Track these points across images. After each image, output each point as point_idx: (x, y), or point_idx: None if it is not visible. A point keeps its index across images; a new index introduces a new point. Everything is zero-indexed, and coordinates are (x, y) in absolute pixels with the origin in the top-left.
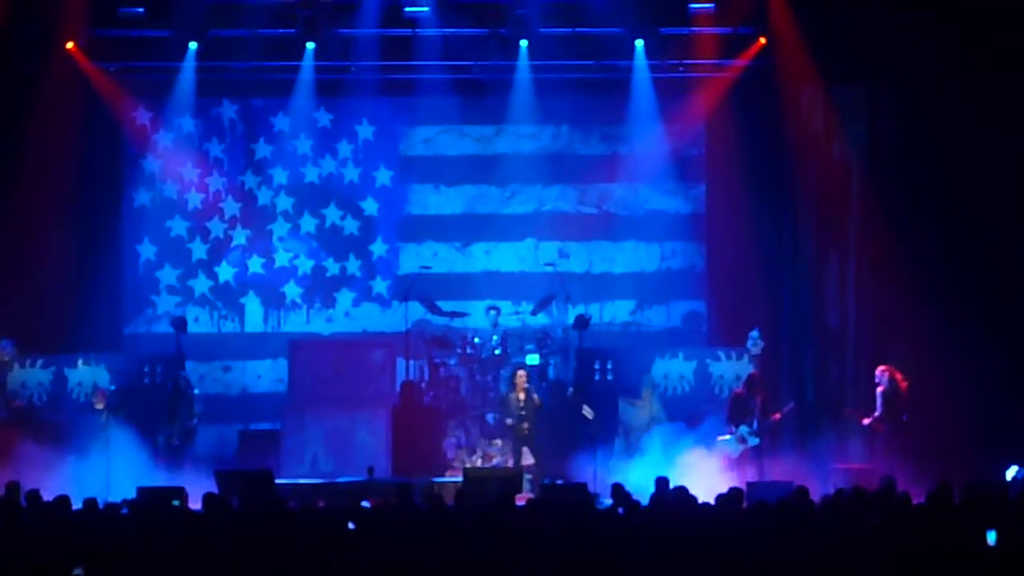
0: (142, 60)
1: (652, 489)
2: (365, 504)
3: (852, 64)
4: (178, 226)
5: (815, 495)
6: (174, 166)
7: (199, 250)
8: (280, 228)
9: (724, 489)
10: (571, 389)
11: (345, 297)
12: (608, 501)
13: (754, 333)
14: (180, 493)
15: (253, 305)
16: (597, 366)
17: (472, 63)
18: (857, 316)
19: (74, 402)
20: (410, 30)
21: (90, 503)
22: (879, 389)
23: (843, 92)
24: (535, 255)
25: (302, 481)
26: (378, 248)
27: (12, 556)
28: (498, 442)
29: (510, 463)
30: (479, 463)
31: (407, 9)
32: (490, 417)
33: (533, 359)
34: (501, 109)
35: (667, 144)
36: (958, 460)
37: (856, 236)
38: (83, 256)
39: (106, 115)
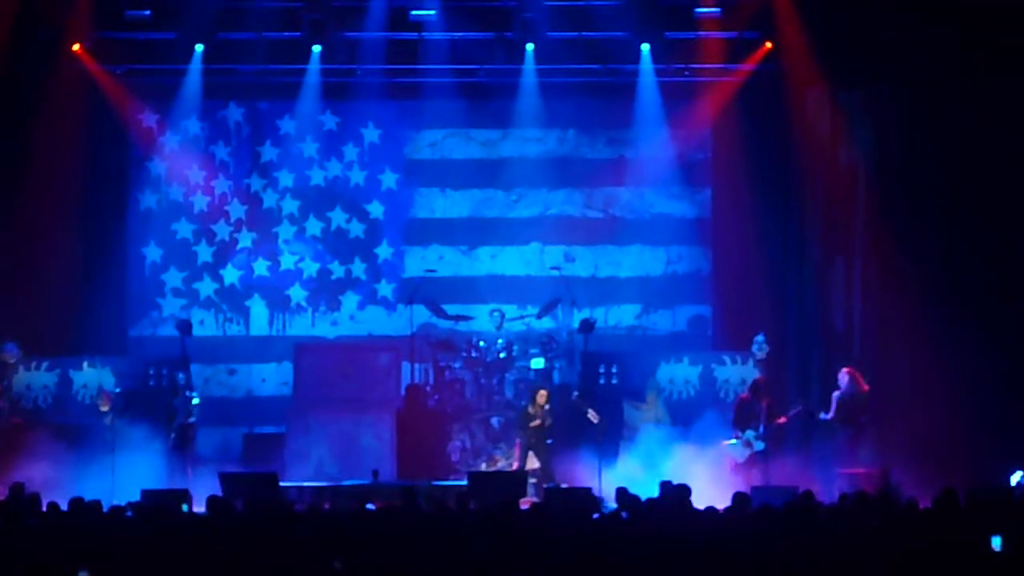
0: (148, 63)
1: (657, 493)
2: (370, 507)
3: (858, 68)
4: (184, 229)
5: (821, 500)
6: (180, 169)
7: (205, 253)
8: (286, 231)
9: (729, 494)
10: (576, 393)
11: (350, 300)
12: (613, 505)
13: (759, 337)
14: (185, 496)
15: (258, 308)
16: (602, 370)
17: (478, 67)
18: (863, 320)
19: (79, 404)
20: (416, 34)
21: (95, 506)
22: (836, 392)
23: (849, 96)
24: (541, 259)
25: (307, 484)
26: (383, 251)
27: (16, 558)
28: (503, 445)
29: (501, 466)
30: (484, 467)
31: (413, 12)
32: (495, 420)
33: (538, 363)
34: (507, 113)
35: (673, 148)
36: (962, 463)
37: (862, 240)
38: (89, 258)
39: (112, 117)
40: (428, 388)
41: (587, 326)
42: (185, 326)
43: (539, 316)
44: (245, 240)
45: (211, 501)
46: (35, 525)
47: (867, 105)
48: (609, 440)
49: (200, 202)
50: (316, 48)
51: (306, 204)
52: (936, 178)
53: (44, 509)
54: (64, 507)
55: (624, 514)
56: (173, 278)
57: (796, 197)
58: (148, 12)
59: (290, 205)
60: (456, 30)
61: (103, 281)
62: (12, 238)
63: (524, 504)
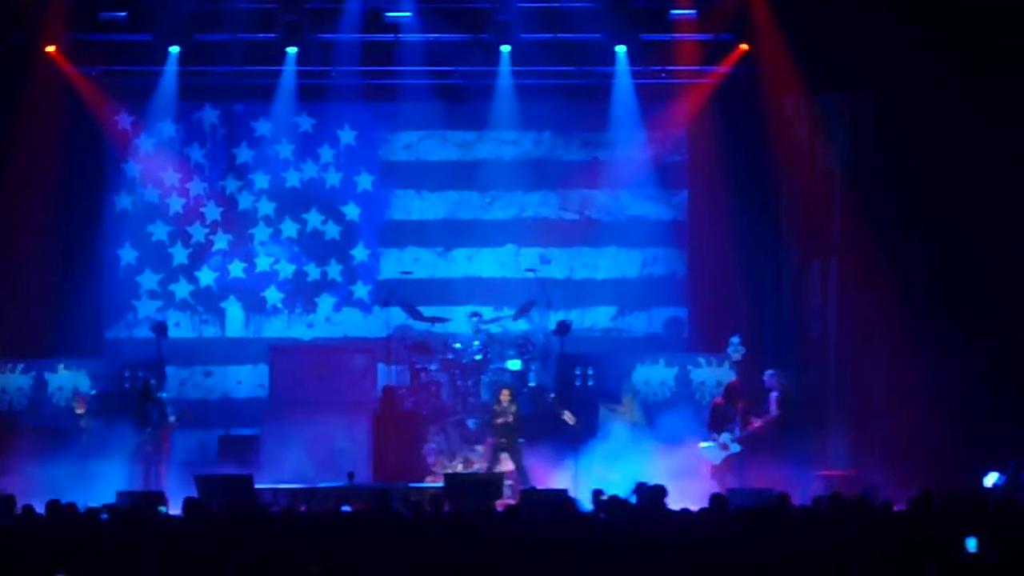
0: (124, 64)
1: (632, 495)
2: (346, 509)
3: (835, 71)
4: (159, 231)
5: (796, 502)
6: (155, 170)
7: (180, 255)
8: (261, 233)
9: (704, 496)
10: (552, 395)
11: (326, 302)
12: (589, 507)
13: (735, 339)
14: (160, 498)
15: (234, 310)
16: (578, 372)
17: (454, 68)
18: (839, 323)
19: (55, 407)
20: (392, 35)
21: (69, 508)
22: (773, 394)
23: (826, 100)
24: (516, 261)
25: (283, 486)
26: (359, 253)
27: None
28: (479, 448)
29: (478, 467)
30: (460, 468)
31: (389, 14)
32: (471, 422)
33: (514, 365)
34: (483, 115)
35: (649, 150)
36: (938, 465)
37: (838, 243)
38: (64, 260)
39: (87, 119)
40: (404, 390)
41: (563, 328)
42: (161, 328)
43: (515, 318)
44: (221, 242)
45: (187, 503)
46: (10, 527)
47: (844, 108)
48: (585, 442)
49: (175, 204)
50: (291, 50)
51: (282, 206)
52: (912, 181)
53: (19, 511)
54: (40, 509)
55: (601, 516)
56: (149, 280)
57: (772, 199)
58: (123, 14)
59: (266, 207)
60: (431, 32)
61: (78, 283)
62: None
63: (500, 506)
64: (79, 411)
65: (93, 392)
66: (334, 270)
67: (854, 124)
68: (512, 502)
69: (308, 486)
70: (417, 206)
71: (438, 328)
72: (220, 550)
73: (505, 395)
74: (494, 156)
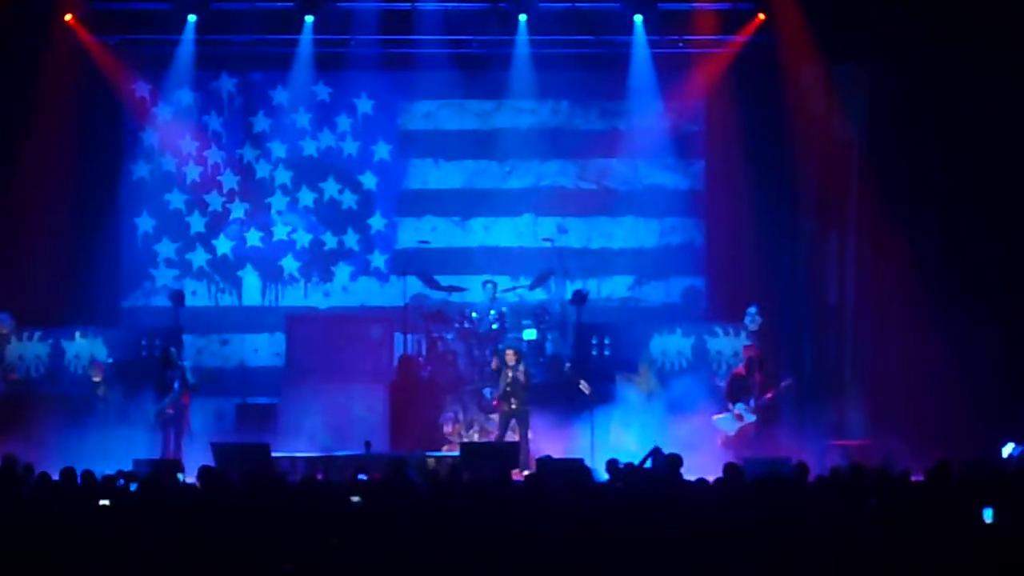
0: (141, 33)
1: (648, 460)
2: (362, 477)
3: (853, 42)
4: (176, 199)
5: (812, 472)
6: (172, 139)
7: (197, 223)
8: (278, 202)
9: (721, 465)
10: (568, 364)
11: (343, 271)
12: (605, 476)
13: (752, 309)
14: (176, 465)
15: (251, 279)
16: (595, 341)
17: (471, 38)
18: (856, 292)
19: (72, 375)
20: (409, 4)
21: (87, 475)
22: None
23: (843, 70)
24: (534, 230)
25: (299, 455)
26: (376, 222)
27: (10, 528)
28: (495, 417)
29: (494, 437)
30: (476, 437)
31: None
32: (487, 392)
33: (531, 334)
34: (501, 84)
35: (666, 120)
36: (954, 435)
37: (855, 213)
38: (81, 229)
39: (105, 88)
40: (421, 359)
41: (580, 298)
42: (178, 296)
43: (532, 287)
44: (238, 211)
45: (203, 471)
46: (28, 495)
47: (861, 78)
48: (601, 411)
49: (192, 172)
50: (309, 18)
51: (299, 175)
52: (930, 152)
53: (35, 479)
54: (56, 477)
55: (618, 484)
56: (166, 248)
57: (790, 169)
58: None
59: (283, 176)
60: (449, 0)
61: (96, 252)
62: (5, 208)
63: (516, 475)
64: (96, 379)
65: (110, 360)
66: (351, 239)
67: (871, 94)
68: (529, 471)
69: (325, 455)
70: (434, 175)
71: (455, 297)
72: (236, 518)
73: (511, 355)
74: (512, 125)
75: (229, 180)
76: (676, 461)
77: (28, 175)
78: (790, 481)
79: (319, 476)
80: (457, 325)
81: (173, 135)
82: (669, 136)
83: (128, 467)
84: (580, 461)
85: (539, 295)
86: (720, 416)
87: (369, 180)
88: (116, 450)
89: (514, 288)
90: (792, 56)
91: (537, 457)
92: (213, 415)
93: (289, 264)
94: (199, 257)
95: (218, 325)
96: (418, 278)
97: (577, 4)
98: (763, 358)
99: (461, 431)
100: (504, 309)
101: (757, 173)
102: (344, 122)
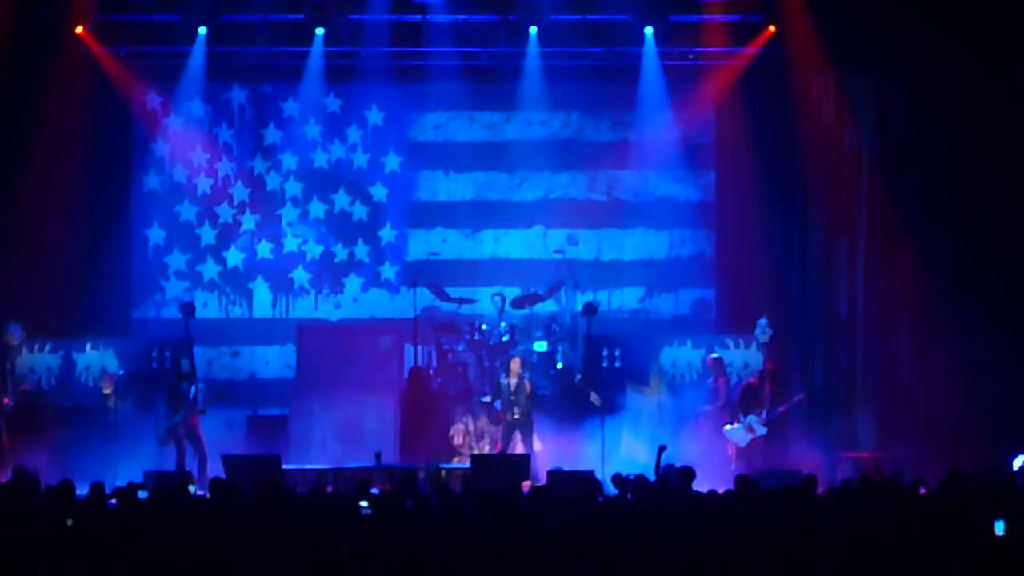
0: (152, 45)
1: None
2: (374, 491)
3: (863, 53)
4: (187, 211)
5: (823, 484)
6: (183, 150)
7: (208, 235)
8: (289, 213)
9: (730, 478)
10: (579, 376)
11: (353, 283)
12: (615, 489)
13: (762, 321)
14: (187, 477)
15: (262, 290)
16: (605, 353)
17: (482, 49)
18: (866, 304)
19: (82, 386)
20: (420, 16)
21: (97, 487)
22: (712, 379)
23: (853, 81)
24: (544, 242)
25: (310, 467)
26: (387, 234)
27: (21, 539)
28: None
29: (497, 448)
30: (487, 449)
31: None
32: (498, 403)
33: (541, 346)
34: (511, 96)
35: (677, 131)
36: (965, 446)
37: (866, 223)
38: (92, 240)
39: (116, 99)
40: (431, 371)
41: (590, 309)
42: (188, 308)
43: (542, 299)
44: (248, 222)
45: (213, 483)
46: (38, 506)
47: (871, 89)
48: (611, 423)
49: (203, 184)
50: (319, 30)
51: (309, 186)
52: (940, 162)
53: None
54: (65, 489)
55: (628, 496)
56: (176, 260)
57: (800, 181)
58: None
59: (293, 187)
60: (460, 12)
61: (106, 263)
62: (16, 219)
63: (526, 487)
64: (106, 391)
65: (121, 372)
66: (361, 251)
67: (881, 105)
68: (539, 483)
69: (335, 467)
70: (445, 187)
71: (465, 309)
72: (247, 530)
73: (516, 364)
74: (522, 137)
75: (240, 192)
76: (689, 474)
77: (39, 186)
78: (801, 493)
79: (329, 488)
80: (467, 337)
81: (184, 147)
82: (679, 147)
83: (139, 479)
84: (591, 473)
85: (550, 307)
86: (731, 427)
87: (379, 192)
88: (127, 461)
89: (525, 296)
90: (802, 67)
91: (548, 469)
92: (224, 427)
93: (300, 276)
94: (210, 269)
95: (229, 337)
96: (428, 290)
97: (587, 16)
98: (774, 370)
99: (471, 443)
100: (515, 321)
101: (767, 184)
102: (354, 134)
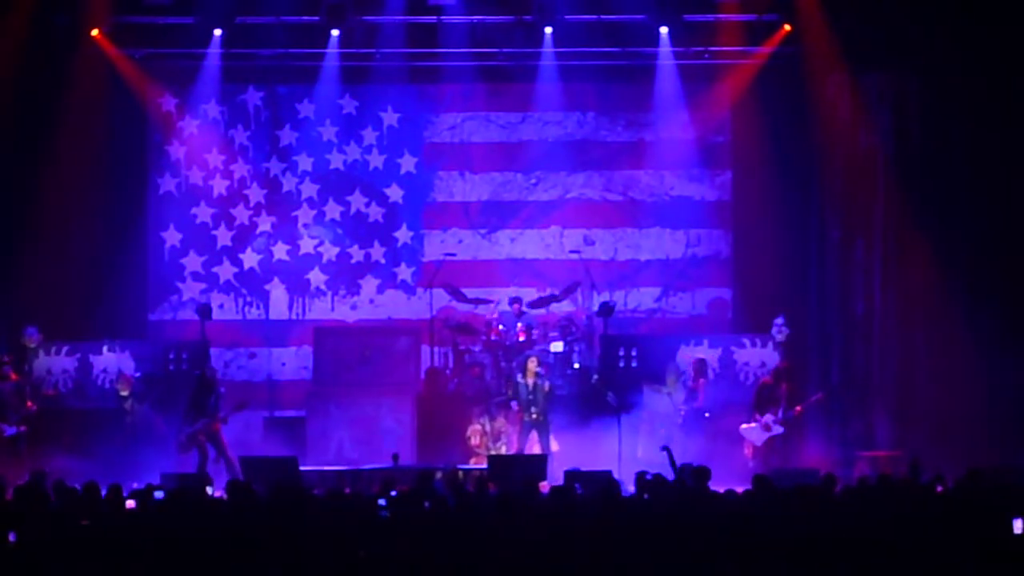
0: (167, 47)
1: (675, 472)
2: (393, 494)
3: (878, 51)
4: (203, 213)
5: (840, 483)
6: (199, 153)
7: (224, 237)
8: (305, 215)
9: (747, 477)
10: (595, 376)
11: (370, 284)
12: (631, 489)
13: (779, 320)
14: (205, 479)
15: (278, 292)
16: (622, 353)
17: (497, 50)
18: (883, 302)
19: (99, 389)
20: (435, 17)
21: (114, 489)
22: (690, 380)
23: (869, 80)
24: (560, 242)
25: (327, 468)
26: (403, 235)
27: (39, 542)
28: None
29: (514, 448)
30: (503, 450)
31: None
32: (515, 404)
33: (558, 346)
34: (526, 96)
35: (693, 131)
36: (982, 445)
37: (881, 222)
38: (108, 243)
39: (131, 102)
40: (448, 372)
41: (607, 309)
42: (205, 310)
43: (559, 299)
44: (264, 224)
45: (230, 485)
46: (57, 509)
47: (886, 87)
48: (628, 423)
49: (219, 186)
50: (335, 32)
51: (325, 188)
52: (955, 159)
53: (64, 494)
54: (82, 491)
55: (645, 496)
56: (193, 262)
57: (816, 179)
58: None
59: (309, 189)
60: (475, 14)
61: (123, 265)
62: (32, 222)
63: (544, 487)
64: (123, 393)
65: (138, 374)
66: (378, 252)
67: (897, 103)
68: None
69: (352, 468)
70: (460, 188)
71: (481, 310)
72: (264, 532)
73: (532, 364)
74: (538, 137)
75: (256, 193)
76: (704, 474)
77: (55, 189)
78: (818, 492)
79: (347, 490)
80: (484, 337)
81: (200, 148)
82: (695, 147)
83: (156, 480)
84: (608, 473)
85: (566, 307)
86: (748, 426)
87: (395, 193)
88: (144, 464)
89: (541, 298)
90: (817, 66)
91: (565, 469)
92: (241, 429)
93: (316, 277)
94: (226, 271)
95: (245, 338)
96: (445, 291)
97: (603, 16)
98: (789, 368)
99: (488, 443)
100: (531, 322)
101: (783, 183)
102: (370, 135)
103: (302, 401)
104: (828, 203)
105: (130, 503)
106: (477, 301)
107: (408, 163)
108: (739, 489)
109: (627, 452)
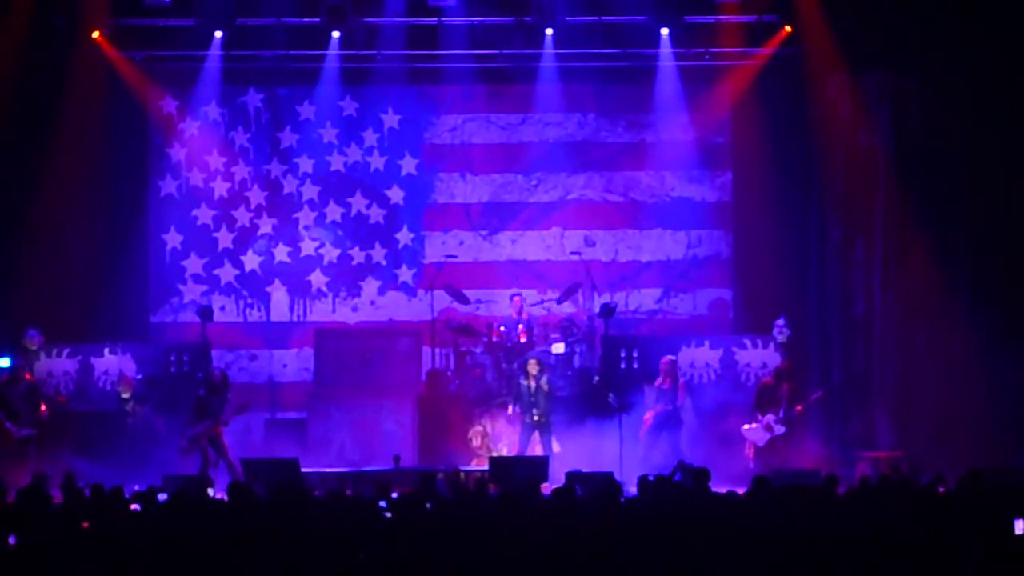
0: (168, 49)
1: (675, 474)
2: (394, 496)
3: (878, 52)
4: (204, 215)
5: (841, 483)
6: (200, 155)
7: (225, 239)
8: (306, 217)
9: (750, 477)
10: (597, 377)
11: (371, 286)
12: (633, 490)
13: (780, 321)
14: (207, 481)
15: (279, 294)
16: (623, 354)
17: (497, 52)
18: (883, 303)
19: (100, 391)
20: (435, 19)
21: (117, 491)
22: (661, 381)
23: (869, 80)
24: (561, 243)
25: (328, 470)
26: (404, 236)
27: (42, 543)
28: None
29: (515, 450)
30: (505, 451)
31: None
32: (516, 406)
33: (559, 348)
34: (527, 97)
35: (693, 132)
36: (982, 445)
37: (882, 222)
38: (109, 245)
39: (132, 104)
40: (449, 373)
41: (608, 311)
42: (206, 312)
43: (559, 301)
44: (265, 226)
45: (232, 487)
46: (61, 510)
47: (886, 87)
48: (630, 424)
49: (220, 188)
50: (335, 34)
51: (326, 190)
52: (955, 159)
53: (72, 493)
54: (87, 493)
55: (646, 499)
56: (194, 264)
57: (816, 180)
58: None
59: (310, 191)
60: (475, 15)
61: (124, 267)
62: (32, 225)
63: (545, 489)
64: (125, 395)
65: (139, 376)
66: (379, 254)
67: (897, 103)
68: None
69: (354, 470)
70: (461, 189)
71: (482, 311)
72: (265, 533)
73: (533, 366)
74: (538, 138)
75: (257, 195)
76: (704, 475)
77: (55, 191)
78: (819, 493)
79: (348, 492)
80: (485, 339)
81: (200, 150)
82: (696, 148)
83: (158, 482)
84: (609, 475)
85: (567, 308)
86: (750, 427)
87: (396, 194)
88: (146, 466)
89: (542, 301)
90: (817, 67)
91: (566, 471)
92: (242, 431)
93: (317, 279)
94: (227, 272)
95: (246, 340)
96: (446, 292)
97: (603, 17)
98: (790, 368)
99: (489, 445)
100: (532, 323)
101: (784, 184)
102: (371, 137)
103: (303, 403)
104: (828, 203)
105: (133, 506)
106: (478, 302)
107: (409, 165)
108: (740, 490)
109: (628, 453)
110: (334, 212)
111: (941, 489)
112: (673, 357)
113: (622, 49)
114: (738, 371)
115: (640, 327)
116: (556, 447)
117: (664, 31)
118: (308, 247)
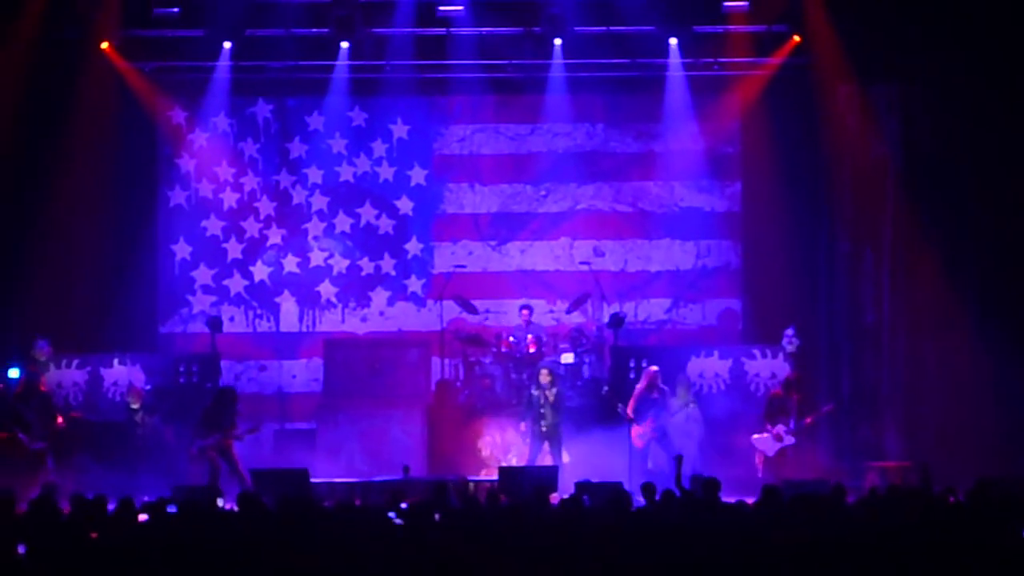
0: (177, 60)
1: (685, 484)
2: (403, 506)
3: (887, 63)
4: (213, 225)
5: (850, 493)
6: (209, 165)
7: (234, 249)
8: (315, 227)
9: (759, 487)
10: (606, 388)
11: (380, 296)
12: (642, 500)
13: (789, 331)
14: (216, 491)
15: (288, 304)
16: (632, 364)
17: (506, 62)
18: (892, 312)
19: (109, 402)
20: (444, 29)
21: (126, 502)
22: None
23: (878, 91)
24: (570, 254)
25: (338, 480)
26: (413, 247)
27: (52, 553)
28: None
29: (525, 460)
30: (514, 461)
31: (441, 8)
32: (526, 416)
33: (568, 358)
34: (536, 108)
35: (702, 142)
36: (991, 455)
37: (891, 232)
38: (119, 255)
39: (141, 115)
40: (458, 383)
41: (617, 321)
42: (215, 323)
43: (569, 311)
44: (274, 236)
45: (241, 497)
46: (69, 521)
47: (895, 98)
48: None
49: (229, 199)
50: (344, 44)
51: (335, 200)
52: (965, 171)
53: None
54: (97, 503)
55: (656, 507)
56: (203, 275)
57: (825, 190)
58: (176, 10)
59: (319, 201)
60: (484, 26)
61: (133, 278)
62: (42, 235)
63: (554, 499)
64: (134, 406)
65: (148, 387)
66: (388, 264)
67: (906, 113)
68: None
69: (363, 480)
70: (470, 199)
71: (492, 322)
72: (275, 544)
73: (544, 376)
74: (547, 149)
75: (266, 206)
76: (714, 485)
77: (65, 202)
78: (828, 502)
79: (357, 502)
80: (494, 349)
81: (209, 161)
82: (705, 158)
83: (167, 493)
84: (619, 485)
85: (576, 318)
86: (760, 436)
87: (405, 205)
88: (155, 476)
89: (551, 311)
90: (826, 77)
91: (576, 481)
92: (251, 441)
93: (326, 289)
94: (236, 283)
95: (256, 351)
96: (455, 302)
97: (612, 28)
98: (799, 378)
99: (499, 455)
100: (541, 334)
101: (793, 194)
102: (380, 147)
103: (312, 413)
104: (837, 213)
105: (142, 516)
106: (488, 313)
107: (418, 175)
108: (749, 500)
109: (637, 463)
110: (343, 223)
111: (951, 499)
112: (656, 368)
113: (631, 59)
114: (747, 381)
115: (649, 337)
116: (566, 457)
117: (673, 41)
118: (317, 258)
